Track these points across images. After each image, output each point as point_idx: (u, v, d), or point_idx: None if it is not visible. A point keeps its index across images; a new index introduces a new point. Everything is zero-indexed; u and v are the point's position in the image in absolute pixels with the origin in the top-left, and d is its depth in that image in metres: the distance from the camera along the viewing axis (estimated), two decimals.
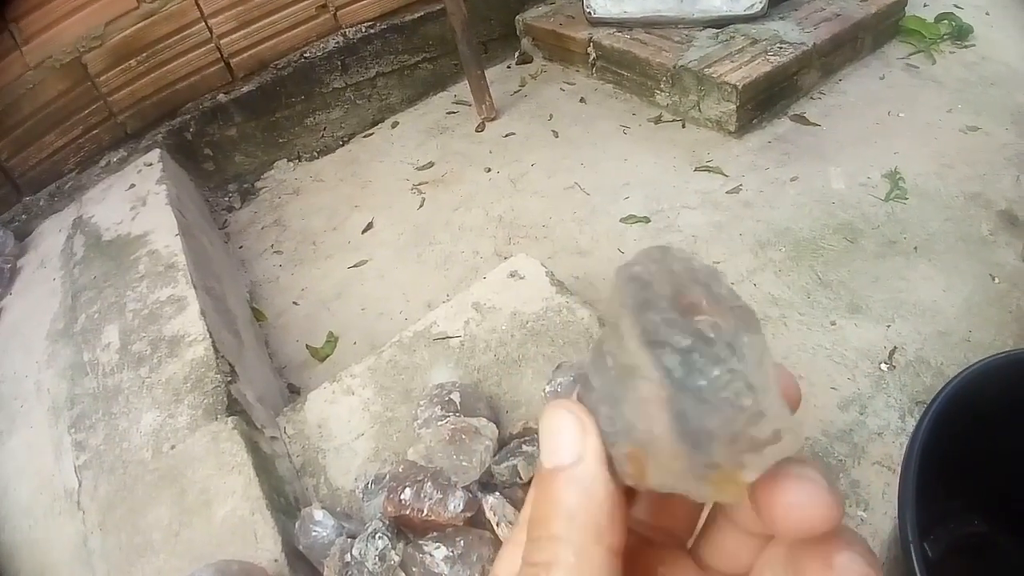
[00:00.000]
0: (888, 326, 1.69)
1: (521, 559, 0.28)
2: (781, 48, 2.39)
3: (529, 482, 0.94)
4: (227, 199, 2.70)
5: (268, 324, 2.11)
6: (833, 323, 1.71)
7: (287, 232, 2.48)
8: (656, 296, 0.26)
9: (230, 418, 1.42)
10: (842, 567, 0.25)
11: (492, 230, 2.24)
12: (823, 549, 0.25)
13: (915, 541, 0.86)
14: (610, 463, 0.27)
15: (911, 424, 1.46)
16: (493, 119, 2.75)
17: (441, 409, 1.32)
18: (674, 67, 2.44)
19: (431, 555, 1.09)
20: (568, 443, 0.27)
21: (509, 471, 1.20)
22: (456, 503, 1.12)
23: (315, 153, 2.86)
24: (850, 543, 0.25)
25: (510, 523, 1.13)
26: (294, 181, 2.75)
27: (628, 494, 0.29)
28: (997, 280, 1.76)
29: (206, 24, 2.49)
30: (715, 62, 2.37)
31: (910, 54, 2.63)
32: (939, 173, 2.09)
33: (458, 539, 1.11)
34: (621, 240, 2.07)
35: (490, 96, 2.72)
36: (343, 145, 2.88)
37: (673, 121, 2.53)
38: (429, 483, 1.13)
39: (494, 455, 1.25)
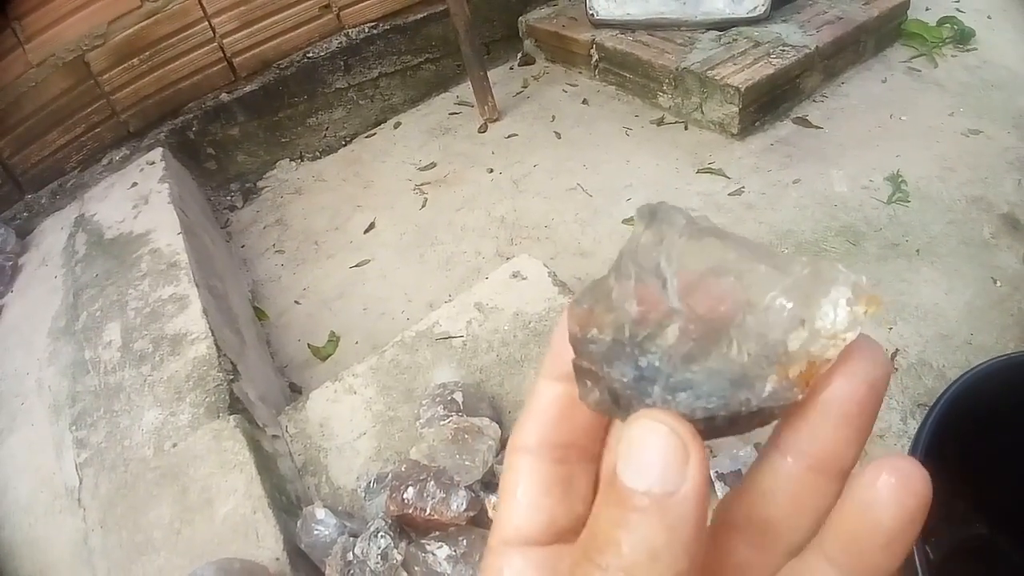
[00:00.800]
0: (890, 328, 1.69)
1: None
2: (784, 51, 2.39)
3: None
4: (229, 198, 2.70)
5: (270, 323, 2.11)
6: None
7: (289, 232, 2.48)
8: None
9: (232, 416, 1.42)
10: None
11: (494, 231, 2.24)
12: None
13: (917, 544, 0.86)
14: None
15: (913, 426, 1.46)
16: (495, 120, 2.76)
17: (444, 409, 1.32)
18: (677, 69, 2.45)
19: (433, 554, 1.09)
20: (665, 468, 0.23)
21: None
22: (459, 502, 1.12)
23: (317, 153, 2.86)
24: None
25: None
26: (296, 181, 2.75)
27: None
28: (999, 283, 1.76)
29: (209, 23, 2.49)
30: (718, 64, 2.38)
31: (912, 57, 2.63)
32: (941, 176, 2.09)
33: (460, 538, 1.11)
34: (623, 241, 2.05)
35: (492, 97, 2.72)
36: (345, 145, 2.88)
37: (675, 123, 2.53)
38: (432, 482, 1.13)
39: (497, 455, 1.25)
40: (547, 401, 0.29)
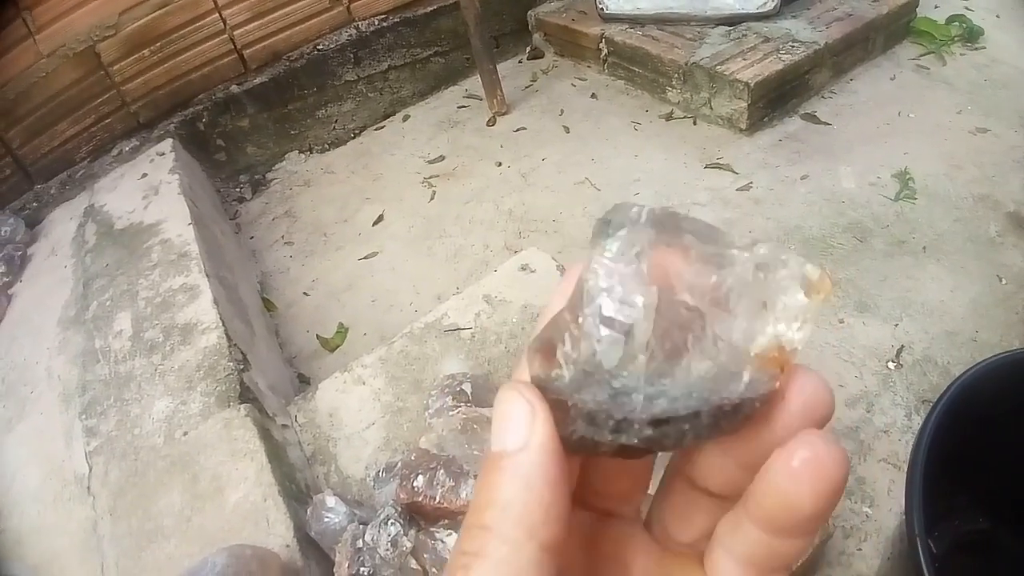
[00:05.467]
0: (896, 325, 1.69)
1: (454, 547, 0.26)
2: (793, 47, 2.39)
3: None
4: (238, 190, 2.72)
5: (279, 314, 2.13)
6: (841, 321, 1.72)
7: (298, 223, 2.50)
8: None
9: (242, 405, 1.43)
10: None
11: (502, 224, 2.25)
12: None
13: (921, 537, 0.86)
14: (564, 444, 0.25)
15: (917, 422, 1.47)
16: (504, 114, 2.76)
17: (452, 399, 1.33)
18: (686, 64, 2.45)
19: (443, 541, 1.10)
20: (515, 428, 0.25)
21: None
22: (468, 491, 1.13)
23: (327, 145, 2.87)
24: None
25: None
26: (305, 173, 2.76)
27: (577, 474, 0.28)
28: (1004, 281, 1.77)
29: (220, 15, 2.50)
30: (727, 59, 2.38)
31: (921, 55, 2.62)
32: (948, 174, 2.10)
33: None
34: None
35: (501, 91, 2.73)
36: (355, 137, 2.89)
37: (684, 118, 2.54)
38: (441, 471, 1.14)
39: None
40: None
